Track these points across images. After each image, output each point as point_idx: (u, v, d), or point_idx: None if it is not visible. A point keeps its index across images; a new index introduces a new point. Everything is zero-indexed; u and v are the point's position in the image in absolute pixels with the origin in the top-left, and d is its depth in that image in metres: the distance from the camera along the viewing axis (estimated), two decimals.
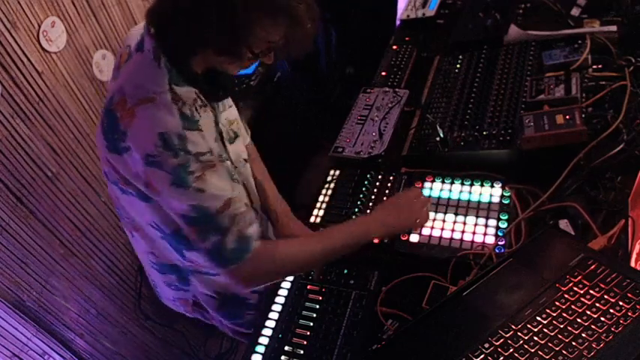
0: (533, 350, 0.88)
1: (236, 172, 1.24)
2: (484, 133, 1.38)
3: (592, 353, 0.85)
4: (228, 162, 1.21)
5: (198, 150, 1.04)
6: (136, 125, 1.03)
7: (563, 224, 1.16)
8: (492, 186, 1.30)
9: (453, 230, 1.25)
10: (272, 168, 2.52)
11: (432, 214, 1.29)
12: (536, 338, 0.90)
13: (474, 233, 1.23)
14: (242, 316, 1.45)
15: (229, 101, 1.30)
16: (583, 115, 1.24)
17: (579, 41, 1.47)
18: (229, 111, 1.30)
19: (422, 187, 1.36)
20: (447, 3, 2.04)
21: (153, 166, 1.03)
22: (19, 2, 1.48)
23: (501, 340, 0.91)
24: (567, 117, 1.24)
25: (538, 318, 0.92)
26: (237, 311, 1.44)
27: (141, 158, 1.04)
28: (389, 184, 1.40)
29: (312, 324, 1.21)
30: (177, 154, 1.02)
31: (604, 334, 0.87)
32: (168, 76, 1.05)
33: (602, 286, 0.94)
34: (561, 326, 0.90)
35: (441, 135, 1.41)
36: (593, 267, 0.97)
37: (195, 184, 1.04)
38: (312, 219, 1.40)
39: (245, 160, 1.35)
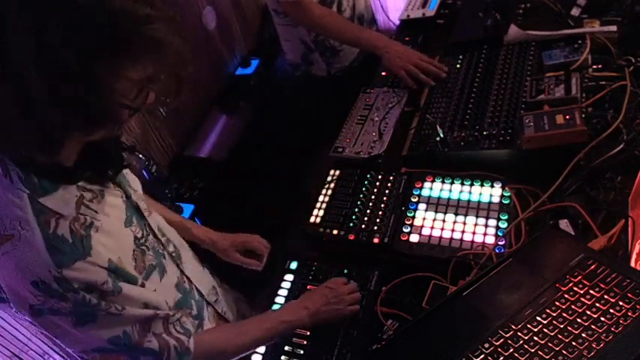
0: (533, 350, 0.88)
1: (159, 245, 1.09)
2: (484, 133, 1.38)
3: (592, 353, 0.85)
4: (150, 237, 1.06)
5: (89, 283, 0.84)
6: (3, 276, 0.84)
7: (563, 224, 1.16)
8: (492, 186, 1.30)
9: (453, 230, 1.25)
10: (272, 168, 2.53)
11: (432, 214, 1.29)
12: (536, 338, 0.90)
13: (474, 233, 1.23)
14: None
15: (128, 172, 1.08)
16: (583, 115, 1.24)
17: (579, 41, 1.47)
18: (132, 180, 1.09)
19: (422, 187, 1.36)
20: (447, 3, 2.04)
21: (43, 315, 0.84)
22: None
23: (501, 340, 0.91)
24: (567, 117, 1.24)
25: (538, 318, 0.92)
26: None
27: (27, 313, 0.85)
28: (389, 184, 1.41)
29: None
30: (65, 296, 0.82)
31: (604, 334, 0.87)
32: (26, 191, 0.81)
33: (602, 286, 0.94)
34: (561, 326, 0.90)
35: (441, 135, 1.41)
36: (593, 267, 0.97)
37: (103, 314, 0.87)
38: (312, 219, 1.40)
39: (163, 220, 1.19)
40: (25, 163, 0.82)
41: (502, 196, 1.27)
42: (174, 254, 1.15)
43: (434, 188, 1.35)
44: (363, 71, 1.86)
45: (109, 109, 0.76)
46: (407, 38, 1.95)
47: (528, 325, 0.92)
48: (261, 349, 1.20)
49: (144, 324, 0.95)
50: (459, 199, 1.31)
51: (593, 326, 0.88)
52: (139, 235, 1.01)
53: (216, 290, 1.32)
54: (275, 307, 1.27)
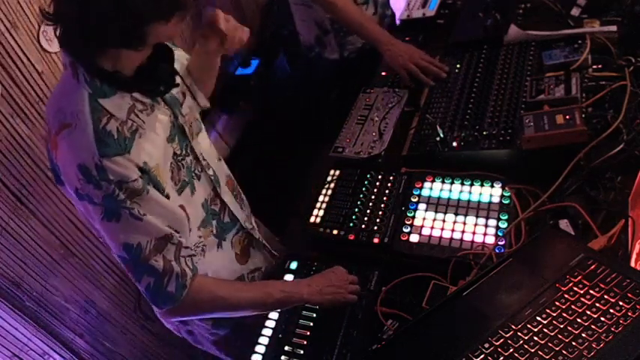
0: (533, 350, 0.88)
1: (197, 165, 1.21)
2: (484, 133, 1.38)
3: (592, 353, 0.85)
4: (189, 158, 1.17)
5: (122, 178, 0.96)
6: (61, 158, 0.99)
7: (563, 224, 1.16)
8: (492, 186, 1.30)
9: (453, 230, 1.25)
10: (272, 168, 2.53)
11: (432, 214, 1.29)
12: (536, 338, 0.90)
13: (474, 233, 1.23)
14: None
15: (180, 95, 1.22)
16: (583, 115, 1.24)
17: (579, 41, 1.47)
18: (187, 103, 1.23)
19: (422, 187, 1.36)
20: (447, 3, 2.04)
21: (84, 200, 0.98)
22: (19, 2, 1.48)
23: (501, 340, 0.91)
24: (567, 117, 1.24)
25: (538, 318, 0.92)
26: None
27: (73, 193, 0.99)
28: (389, 184, 1.40)
29: (312, 324, 1.21)
30: (100, 184, 0.95)
31: (604, 334, 0.87)
32: (89, 90, 0.96)
33: (602, 286, 0.94)
34: (561, 326, 0.90)
35: (441, 135, 1.41)
36: (593, 267, 0.97)
37: (126, 215, 0.98)
38: (312, 219, 1.40)
39: (210, 145, 1.32)
40: (93, 68, 0.95)
41: (502, 196, 1.27)
42: (212, 177, 1.26)
43: (434, 188, 1.35)
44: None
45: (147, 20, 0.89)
46: (407, 38, 1.94)
47: (528, 325, 0.92)
48: (261, 349, 1.20)
49: (159, 244, 1.03)
50: (459, 199, 1.31)
51: (593, 326, 0.88)
52: (178, 152, 1.13)
53: (252, 220, 1.43)
54: None
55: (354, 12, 1.82)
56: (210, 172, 1.26)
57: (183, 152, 1.15)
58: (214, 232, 1.27)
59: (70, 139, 0.96)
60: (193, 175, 1.19)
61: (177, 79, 1.15)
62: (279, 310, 1.25)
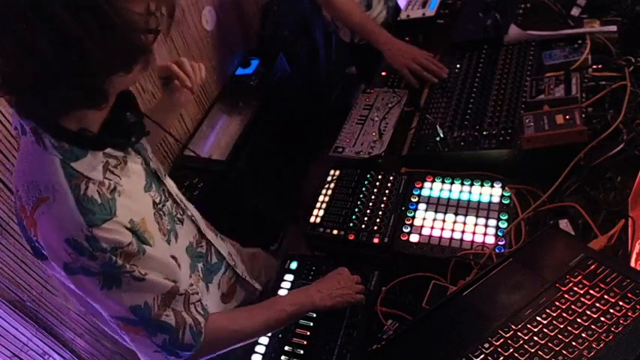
0: (533, 350, 0.88)
1: (178, 209, 1.16)
2: (484, 133, 1.38)
3: (592, 353, 0.85)
4: (168, 203, 1.12)
5: (115, 244, 0.90)
6: (42, 235, 0.90)
7: (563, 224, 1.16)
8: (492, 186, 1.30)
9: (453, 230, 1.25)
10: (272, 168, 2.53)
11: (432, 214, 1.29)
12: (536, 338, 0.90)
13: (474, 233, 1.23)
14: None
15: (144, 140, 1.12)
16: (583, 115, 1.24)
17: (579, 41, 1.47)
18: (148, 146, 1.15)
19: (422, 187, 1.36)
20: (447, 3, 2.04)
21: (76, 274, 0.91)
22: None
23: (501, 340, 0.91)
24: (567, 117, 1.24)
25: (538, 318, 0.92)
26: None
27: (62, 269, 0.92)
28: (389, 184, 1.41)
29: (312, 324, 1.21)
30: (94, 255, 0.88)
31: (604, 334, 0.87)
32: (59, 156, 0.88)
33: (602, 286, 0.94)
34: (561, 326, 0.90)
35: (441, 135, 1.41)
36: (593, 267, 0.97)
37: (127, 278, 0.93)
38: (312, 219, 1.40)
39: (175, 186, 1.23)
40: (56, 130, 0.87)
41: (502, 196, 1.27)
42: (193, 217, 1.21)
43: (434, 188, 1.35)
44: (363, 71, 1.87)
45: (136, 36, 0.80)
46: (407, 38, 1.94)
47: (528, 325, 0.92)
48: (261, 349, 1.20)
49: (166, 298, 0.99)
50: (459, 199, 1.31)
51: (593, 326, 0.88)
52: (157, 200, 1.07)
53: (232, 256, 1.36)
54: None
55: (354, 11, 1.84)
56: (190, 213, 1.20)
57: (162, 198, 1.10)
58: (201, 276, 1.22)
59: (51, 213, 0.88)
60: (176, 220, 1.14)
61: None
62: None
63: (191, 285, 1.11)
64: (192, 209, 1.24)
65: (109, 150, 0.96)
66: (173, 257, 1.07)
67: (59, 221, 0.87)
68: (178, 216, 1.15)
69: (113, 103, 0.93)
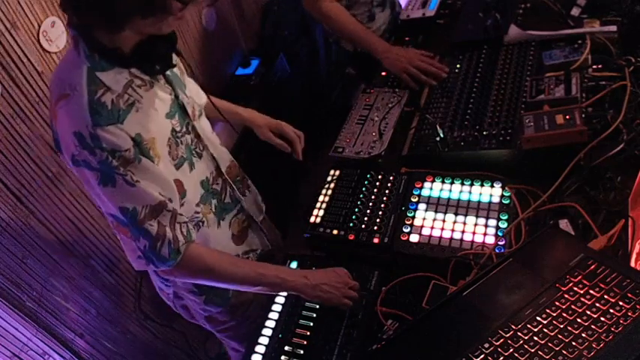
0: (533, 350, 0.88)
1: (199, 144, 1.27)
2: (484, 133, 1.38)
3: (592, 353, 0.85)
4: (189, 136, 1.23)
5: (114, 147, 1.02)
6: (59, 125, 1.04)
7: (563, 224, 1.16)
8: (492, 186, 1.30)
9: (453, 230, 1.25)
10: (272, 168, 2.52)
11: (432, 214, 1.29)
12: (536, 338, 0.90)
13: (474, 233, 1.23)
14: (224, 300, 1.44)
15: (187, 78, 1.29)
16: (583, 115, 1.24)
17: (579, 41, 1.47)
18: (190, 87, 1.29)
19: (422, 187, 1.36)
20: (447, 3, 2.04)
21: (79, 166, 1.04)
22: (19, 2, 1.49)
23: (501, 340, 0.91)
24: (567, 117, 1.24)
25: (538, 318, 0.92)
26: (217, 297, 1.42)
27: (69, 159, 1.05)
28: (389, 184, 1.40)
29: (312, 324, 1.21)
30: (94, 151, 1.01)
31: (604, 334, 0.87)
32: (87, 64, 1.02)
33: (602, 286, 0.94)
34: (561, 326, 0.90)
35: (441, 135, 1.41)
36: (593, 267, 0.97)
37: (121, 180, 1.04)
38: (312, 219, 1.40)
39: (212, 131, 1.37)
40: (92, 42, 1.01)
41: (502, 196, 1.27)
42: (214, 156, 1.32)
43: (434, 188, 1.35)
44: (363, 71, 1.87)
45: None
46: (407, 38, 1.95)
47: (528, 325, 0.92)
48: (261, 349, 1.20)
49: (153, 209, 1.08)
50: (459, 199, 1.31)
51: (593, 326, 0.88)
52: (178, 129, 1.19)
53: (259, 206, 1.49)
54: (275, 307, 1.27)
55: (348, 23, 1.85)
56: (211, 151, 1.31)
57: (184, 130, 1.20)
58: (213, 210, 1.32)
59: (67, 108, 1.01)
60: (194, 152, 1.25)
61: (179, 67, 1.22)
62: (279, 310, 1.25)
63: (196, 212, 1.25)
64: (216, 149, 1.34)
65: (135, 70, 1.08)
66: (178, 181, 1.17)
67: (72, 116, 1.01)
68: (197, 150, 1.26)
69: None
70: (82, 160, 1.02)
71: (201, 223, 1.29)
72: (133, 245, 1.13)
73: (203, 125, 1.31)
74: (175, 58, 1.18)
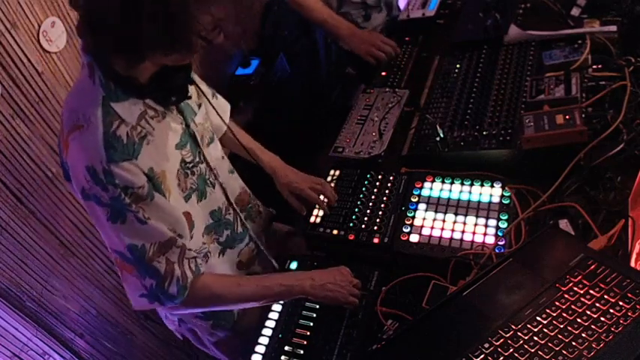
0: (533, 350, 0.88)
1: (211, 174, 1.25)
2: (484, 133, 1.38)
3: (592, 353, 0.85)
4: (202, 165, 1.21)
5: (127, 184, 0.99)
6: (70, 157, 1.01)
7: (563, 224, 1.16)
8: (492, 186, 1.30)
9: (453, 230, 1.25)
10: None
11: (432, 214, 1.29)
12: (536, 338, 0.90)
13: (474, 233, 1.23)
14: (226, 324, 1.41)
15: (196, 106, 1.24)
16: (583, 115, 1.24)
17: (579, 41, 1.47)
18: (201, 113, 1.24)
19: (422, 187, 1.36)
20: (447, 3, 2.04)
21: (89, 200, 1.01)
22: (19, 2, 1.48)
23: (501, 340, 0.91)
24: (567, 117, 1.24)
25: (538, 318, 0.92)
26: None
27: (79, 192, 1.02)
28: (389, 184, 1.40)
29: (312, 324, 1.21)
30: (107, 187, 0.98)
31: (604, 334, 0.87)
32: (103, 93, 0.98)
33: (602, 286, 0.94)
34: (561, 326, 0.90)
35: (441, 135, 1.41)
36: (593, 267, 0.97)
37: (131, 218, 1.01)
38: (312, 219, 1.40)
39: (223, 157, 1.34)
40: (108, 71, 0.98)
41: (502, 196, 1.27)
42: (223, 186, 1.29)
43: (434, 188, 1.35)
44: (363, 71, 1.88)
45: (188, 35, 0.91)
46: (407, 38, 1.95)
47: (528, 325, 0.92)
48: (261, 349, 1.20)
49: (162, 246, 1.06)
50: (459, 199, 1.31)
51: (593, 326, 0.88)
52: (188, 160, 1.16)
53: (257, 233, 1.45)
54: (275, 307, 1.27)
55: (318, 9, 1.92)
56: (221, 181, 1.29)
57: (196, 160, 1.18)
58: (221, 240, 1.30)
59: (81, 140, 0.98)
60: (208, 182, 1.23)
61: (193, 92, 1.20)
62: (279, 310, 1.26)
63: (203, 244, 1.23)
64: (225, 178, 1.32)
65: (149, 101, 1.05)
66: (187, 213, 1.15)
67: (85, 149, 0.97)
68: (211, 179, 1.24)
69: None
70: (93, 195, 1.00)
71: (209, 254, 1.27)
72: (137, 284, 1.09)
73: (212, 152, 1.27)
74: (190, 88, 1.15)
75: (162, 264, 1.06)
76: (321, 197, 1.41)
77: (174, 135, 1.12)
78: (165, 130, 1.09)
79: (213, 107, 1.29)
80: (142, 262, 1.05)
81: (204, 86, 1.32)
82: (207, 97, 1.28)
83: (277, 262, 1.48)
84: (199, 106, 1.25)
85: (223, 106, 1.43)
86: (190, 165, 1.16)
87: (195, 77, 1.27)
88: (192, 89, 1.20)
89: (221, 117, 1.34)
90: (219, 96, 1.42)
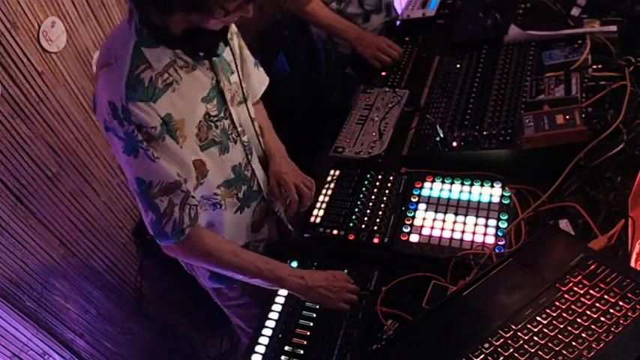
0: (533, 350, 0.88)
1: (234, 131, 1.29)
2: (484, 133, 1.38)
3: (592, 353, 0.85)
4: (227, 121, 1.26)
5: (142, 123, 1.06)
6: (98, 90, 1.10)
7: (563, 224, 1.16)
8: (492, 186, 1.30)
9: (453, 230, 1.25)
10: None
11: (432, 214, 1.29)
12: (536, 338, 0.90)
13: (474, 233, 1.23)
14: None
15: (234, 65, 1.29)
16: (583, 115, 1.24)
17: (579, 41, 1.47)
18: (236, 74, 1.30)
19: (422, 187, 1.36)
20: (447, 3, 2.04)
21: (109, 132, 1.09)
22: (19, 2, 1.48)
23: (501, 340, 0.91)
24: (567, 117, 1.24)
25: (538, 318, 0.92)
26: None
27: (102, 123, 1.10)
28: (389, 184, 1.40)
29: (312, 324, 1.21)
30: (122, 123, 1.05)
31: (604, 334, 0.87)
32: (136, 37, 1.06)
33: (602, 286, 0.94)
34: (561, 326, 0.90)
35: (441, 135, 1.41)
36: (593, 267, 0.97)
37: (143, 154, 1.08)
38: (312, 219, 1.40)
39: (252, 119, 1.38)
40: (145, 17, 1.05)
41: (502, 196, 1.27)
42: (246, 145, 1.34)
43: (434, 188, 1.35)
44: (363, 71, 1.88)
45: (207, 2, 0.99)
46: (407, 38, 1.95)
47: (528, 325, 0.92)
48: (261, 349, 1.20)
49: (167, 187, 1.12)
50: (459, 199, 1.31)
51: (593, 326, 0.88)
52: (213, 114, 1.22)
53: (270, 194, 1.48)
54: (275, 307, 1.27)
55: (324, 14, 1.95)
56: (245, 139, 1.33)
57: (221, 115, 1.23)
58: (240, 196, 1.35)
59: (107, 77, 1.06)
60: (230, 137, 1.28)
61: (235, 51, 1.27)
62: (279, 310, 1.26)
63: (215, 194, 1.28)
64: (251, 138, 1.37)
65: (180, 52, 1.11)
66: (200, 161, 1.20)
67: (110, 85, 1.05)
68: (233, 136, 1.29)
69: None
70: (112, 128, 1.07)
71: (218, 206, 1.30)
72: (144, 214, 1.17)
73: (240, 113, 1.32)
74: (222, 48, 1.19)
75: (164, 203, 1.13)
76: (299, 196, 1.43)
77: (202, 88, 1.18)
78: (193, 81, 1.15)
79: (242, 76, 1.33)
80: (146, 196, 1.12)
81: (247, 52, 1.38)
82: (244, 62, 1.35)
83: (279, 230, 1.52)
84: (238, 67, 1.30)
85: (262, 77, 1.48)
86: (215, 119, 1.21)
87: (242, 43, 1.36)
88: (235, 48, 1.29)
89: (243, 89, 1.34)
90: (261, 69, 1.48)
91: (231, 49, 1.25)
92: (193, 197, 1.18)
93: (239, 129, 1.30)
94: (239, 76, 1.31)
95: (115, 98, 1.04)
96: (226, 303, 1.55)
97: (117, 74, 1.05)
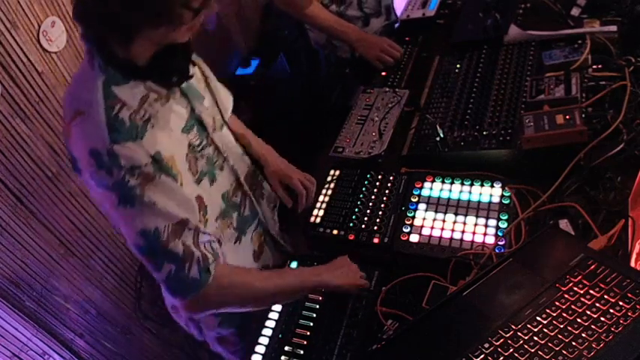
0: (533, 350, 0.88)
1: (220, 157, 1.23)
2: (484, 133, 1.38)
3: (592, 353, 0.85)
4: (210, 148, 1.19)
5: (134, 163, 0.96)
6: (74, 145, 1.00)
7: (563, 224, 1.16)
8: (492, 186, 1.30)
9: (453, 230, 1.25)
10: None
11: (432, 214, 1.29)
12: (536, 338, 0.90)
13: (474, 233, 1.23)
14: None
15: (203, 91, 1.22)
16: (583, 115, 1.24)
17: (579, 41, 1.47)
18: (207, 98, 1.23)
19: (422, 187, 1.36)
20: (447, 3, 2.04)
21: (99, 189, 0.99)
22: (19, 2, 1.49)
23: (501, 340, 0.91)
24: (567, 117, 1.24)
25: (538, 318, 0.92)
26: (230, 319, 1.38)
27: (87, 180, 1.01)
28: (389, 184, 1.40)
29: (312, 324, 1.21)
30: (111, 170, 0.95)
31: (604, 334, 0.87)
32: (103, 77, 0.97)
33: (602, 286, 0.94)
34: (561, 326, 0.90)
35: (441, 135, 1.41)
36: (593, 267, 0.97)
37: (140, 199, 0.98)
38: (312, 219, 1.40)
39: (235, 142, 1.33)
40: (107, 55, 0.97)
41: (502, 196, 1.27)
42: (234, 168, 1.28)
43: (434, 188, 1.35)
44: (363, 71, 1.89)
45: (171, 5, 0.90)
46: (407, 38, 1.95)
47: (528, 325, 0.92)
48: (261, 349, 1.20)
49: (176, 229, 1.01)
50: (459, 199, 1.31)
51: (593, 326, 0.88)
52: (196, 143, 1.14)
53: (273, 215, 1.45)
54: (275, 307, 1.27)
55: (324, 16, 1.95)
56: (231, 163, 1.27)
57: (204, 143, 1.17)
58: (234, 224, 1.28)
59: (83, 126, 0.97)
60: (215, 165, 1.21)
61: (198, 76, 1.20)
62: (279, 310, 1.25)
63: (216, 228, 1.19)
64: (237, 160, 1.30)
65: (151, 84, 1.03)
66: (199, 197, 1.12)
67: (88, 134, 0.96)
68: (219, 162, 1.22)
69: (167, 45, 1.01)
70: (99, 181, 0.97)
71: (222, 240, 1.23)
72: (155, 275, 1.05)
73: (224, 137, 1.26)
74: (192, 69, 1.14)
75: (179, 247, 1.01)
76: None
77: (179, 118, 1.10)
78: (169, 113, 1.07)
79: (213, 95, 1.27)
80: (157, 248, 1.00)
81: (208, 71, 1.29)
82: (209, 82, 1.26)
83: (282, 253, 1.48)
84: (207, 91, 1.24)
85: (226, 90, 1.39)
86: (199, 148, 1.14)
87: (201, 62, 1.26)
88: (197, 72, 1.20)
89: (220, 109, 1.29)
90: (221, 85, 1.39)
91: (199, 69, 1.21)
92: (204, 233, 1.07)
93: (224, 155, 1.24)
94: (213, 97, 1.25)
95: (98, 145, 0.94)
96: (231, 349, 1.46)
97: (93, 120, 0.95)
